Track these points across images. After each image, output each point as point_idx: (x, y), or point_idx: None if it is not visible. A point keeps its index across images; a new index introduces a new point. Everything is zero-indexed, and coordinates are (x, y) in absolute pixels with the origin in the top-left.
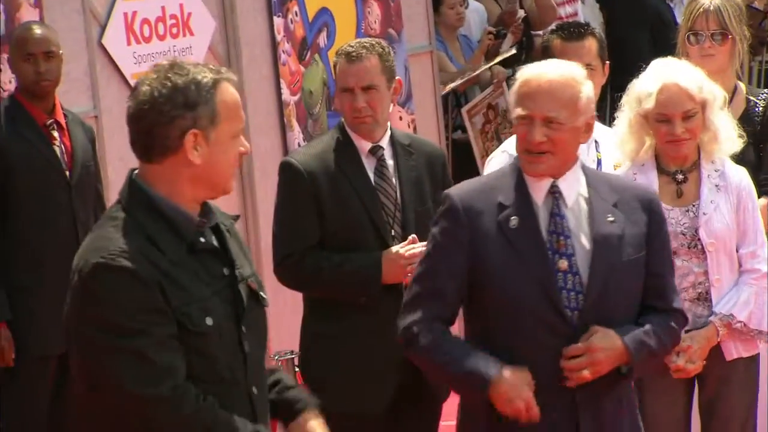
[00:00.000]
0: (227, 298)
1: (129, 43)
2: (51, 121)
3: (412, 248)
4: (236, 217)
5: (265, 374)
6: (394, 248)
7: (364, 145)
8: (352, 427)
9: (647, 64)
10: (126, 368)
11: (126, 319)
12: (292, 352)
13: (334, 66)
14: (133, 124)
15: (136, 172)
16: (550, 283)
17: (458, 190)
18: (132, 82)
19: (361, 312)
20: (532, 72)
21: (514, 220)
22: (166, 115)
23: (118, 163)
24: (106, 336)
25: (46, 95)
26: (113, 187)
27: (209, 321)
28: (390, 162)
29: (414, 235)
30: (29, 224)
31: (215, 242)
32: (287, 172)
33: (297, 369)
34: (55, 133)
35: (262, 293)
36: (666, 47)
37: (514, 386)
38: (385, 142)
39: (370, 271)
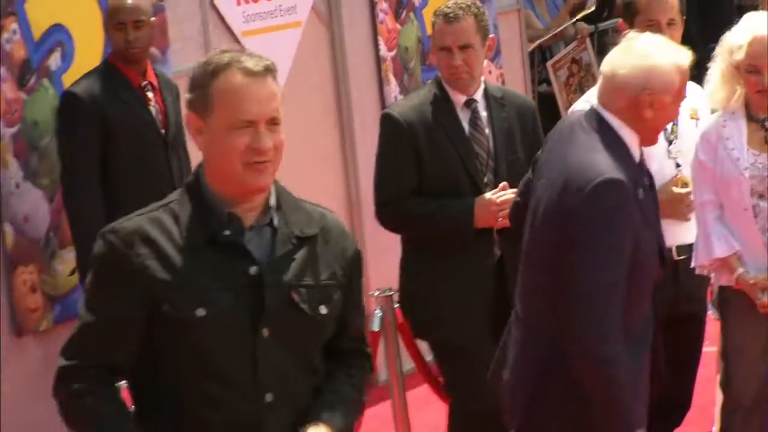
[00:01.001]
0: (247, 297)
1: (239, 3)
2: (145, 82)
3: (503, 195)
4: (319, 231)
5: (297, 386)
6: (487, 195)
7: (459, 99)
8: (454, 357)
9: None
10: (70, 336)
11: (91, 290)
12: (390, 289)
13: (432, 25)
14: None
15: None
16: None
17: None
18: (242, 41)
19: (456, 252)
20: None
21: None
22: (186, 99)
23: None
24: (83, 297)
25: (138, 60)
26: None
27: (201, 312)
28: (483, 114)
29: (505, 183)
30: (130, 184)
31: (257, 241)
32: (388, 123)
33: (396, 305)
34: (150, 94)
35: (316, 305)
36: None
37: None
38: (478, 96)
39: (464, 216)
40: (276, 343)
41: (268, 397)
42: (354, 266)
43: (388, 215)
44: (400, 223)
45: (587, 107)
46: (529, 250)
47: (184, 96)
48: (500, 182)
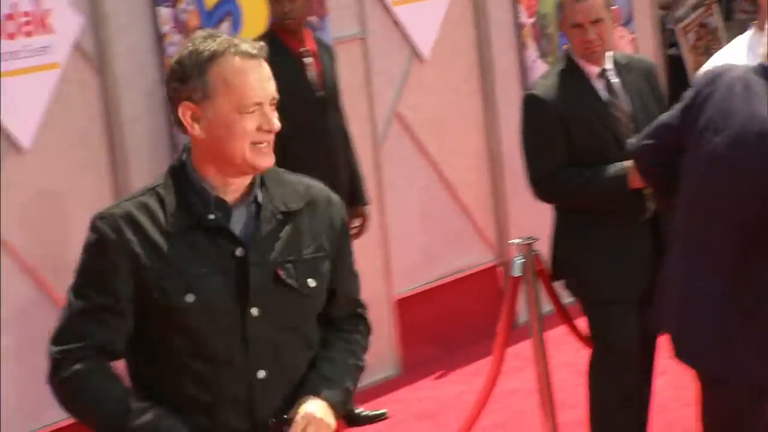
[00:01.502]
0: (234, 278)
1: None
2: (303, 49)
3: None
4: (304, 204)
5: (291, 361)
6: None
7: (592, 71)
8: (603, 312)
9: None
10: (61, 319)
11: (80, 276)
12: (530, 238)
13: (561, 4)
14: None
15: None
16: None
17: None
18: (394, 10)
19: (611, 214)
20: None
21: None
22: (170, 88)
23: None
24: (72, 284)
25: (296, 29)
26: (378, 99)
27: (190, 298)
28: (615, 81)
29: None
30: (291, 140)
31: (244, 222)
32: (533, 103)
33: (534, 252)
34: (308, 59)
35: (309, 281)
36: None
37: None
38: (609, 65)
39: (618, 180)
40: (266, 320)
41: (261, 374)
42: (342, 234)
43: (544, 190)
44: (556, 195)
45: (718, 66)
46: (712, 197)
47: (173, 85)
48: None
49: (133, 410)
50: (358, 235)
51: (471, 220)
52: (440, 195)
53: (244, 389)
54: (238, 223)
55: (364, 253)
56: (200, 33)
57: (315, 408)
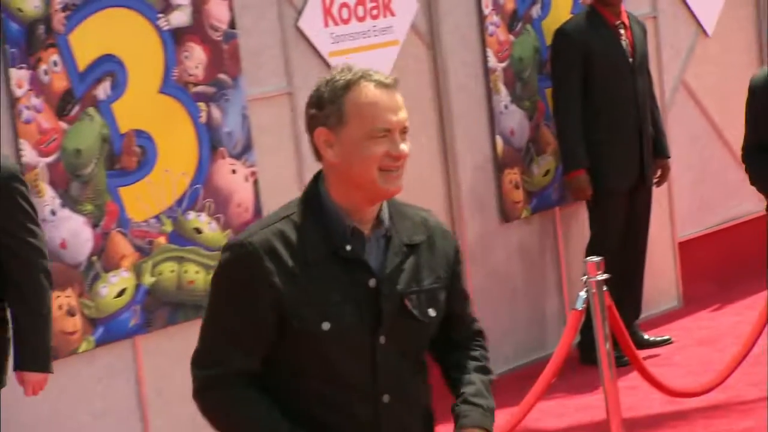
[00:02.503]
0: (367, 308)
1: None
2: (618, 21)
3: None
4: (426, 238)
5: (412, 387)
6: None
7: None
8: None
9: None
10: (199, 344)
11: (220, 301)
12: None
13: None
14: None
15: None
16: None
17: None
18: None
19: None
20: None
21: None
22: (307, 115)
23: (671, 51)
24: (207, 308)
25: (615, 4)
26: (667, 69)
27: (326, 326)
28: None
29: None
30: (604, 98)
31: (374, 253)
32: (750, 90)
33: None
34: (622, 31)
35: (427, 310)
36: None
37: None
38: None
39: None
40: (391, 347)
41: (385, 398)
42: (456, 264)
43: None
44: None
45: None
46: None
47: (311, 112)
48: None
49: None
50: (660, 183)
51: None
52: (719, 152)
53: (371, 413)
54: (370, 254)
55: (653, 199)
56: (341, 65)
57: None
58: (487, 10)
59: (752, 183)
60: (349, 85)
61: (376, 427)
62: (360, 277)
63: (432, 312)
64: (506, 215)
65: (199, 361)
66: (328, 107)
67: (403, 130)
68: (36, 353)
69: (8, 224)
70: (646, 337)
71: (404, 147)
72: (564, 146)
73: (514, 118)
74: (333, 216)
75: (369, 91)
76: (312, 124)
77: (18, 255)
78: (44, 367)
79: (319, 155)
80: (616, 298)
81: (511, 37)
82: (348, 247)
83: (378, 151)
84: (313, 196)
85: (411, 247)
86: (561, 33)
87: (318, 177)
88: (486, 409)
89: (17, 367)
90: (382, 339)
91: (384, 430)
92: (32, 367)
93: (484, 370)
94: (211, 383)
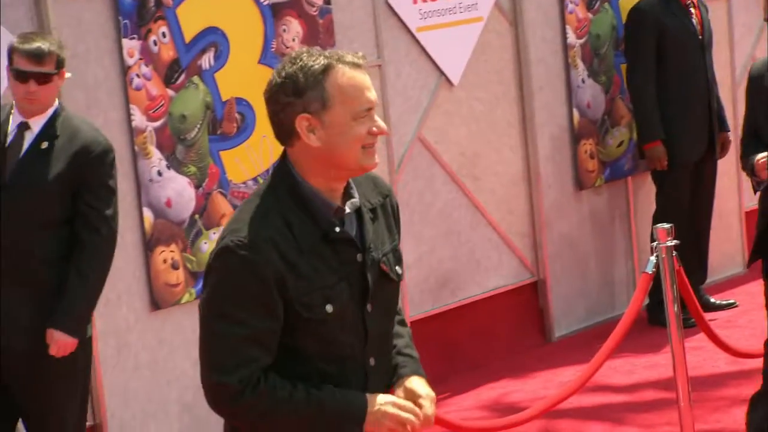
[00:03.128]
0: (355, 281)
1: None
2: (689, 1)
3: (764, 155)
4: (386, 195)
5: (389, 345)
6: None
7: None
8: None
9: None
10: (214, 352)
11: (230, 305)
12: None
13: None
14: (267, 112)
15: (286, 153)
16: None
17: None
18: None
19: None
20: None
21: None
22: (279, 103)
23: (743, 29)
24: (210, 314)
25: None
26: (738, 48)
27: (329, 308)
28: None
29: None
30: (676, 74)
31: (353, 227)
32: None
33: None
34: (692, 10)
35: (397, 268)
36: None
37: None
38: None
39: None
40: (376, 312)
41: (372, 362)
42: (398, 219)
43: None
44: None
45: None
46: None
47: (286, 100)
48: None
49: (325, 400)
50: (722, 155)
51: None
52: None
53: (362, 378)
54: (350, 229)
55: (720, 171)
56: (300, 50)
57: (428, 389)
58: None
59: (742, 169)
60: (327, 69)
61: (364, 390)
62: (349, 255)
63: (399, 269)
64: (580, 183)
65: (221, 369)
66: (309, 93)
67: (374, 107)
68: (70, 314)
69: (91, 196)
70: (712, 300)
71: (383, 122)
72: (640, 119)
73: (591, 92)
74: (315, 200)
75: (347, 72)
76: (289, 111)
77: (89, 223)
78: (73, 331)
79: (287, 141)
80: (683, 263)
81: (590, 15)
82: (337, 229)
83: (362, 130)
84: (291, 184)
85: (373, 211)
86: (636, 11)
87: (283, 165)
88: (417, 359)
89: (48, 323)
90: (368, 307)
91: (370, 391)
92: (60, 326)
93: (404, 323)
94: (246, 385)
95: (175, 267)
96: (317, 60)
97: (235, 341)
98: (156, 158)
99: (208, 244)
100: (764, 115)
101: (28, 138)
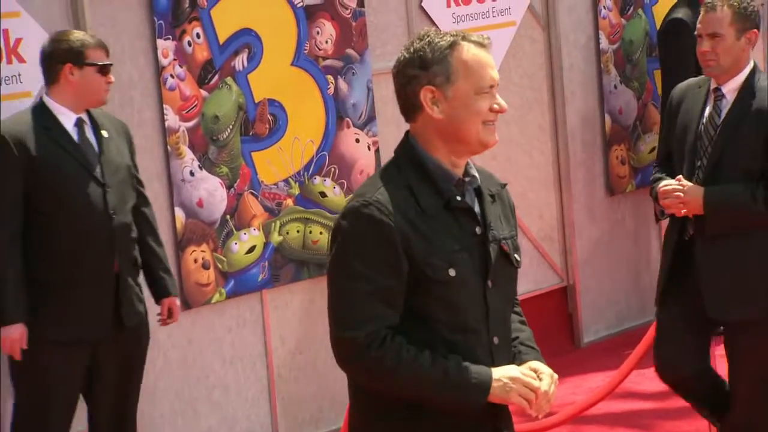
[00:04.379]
0: (476, 254)
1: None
2: None
3: (668, 183)
4: (504, 185)
5: (509, 328)
6: (664, 181)
7: (712, 84)
8: None
9: None
10: (340, 308)
11: (357, 263)
12: None
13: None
14: (394, 88)
15: (410, 130)
16: None
17: None
18: None
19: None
20: None
21: None
22: (406, 76)
23: None
24: (338, 273)
25: None
26: None
27: (452, 272)
28: (726, 102)
29: (680, 176)
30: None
31: (473, 202)
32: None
33: None
34: None
35: (516, 255)
36: None
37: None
38: (729, 87)
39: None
40: (496, 291)
41: (495, 340)
42: (514, 211)
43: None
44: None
45: None
46: None
47: (412, 72)
48: (708, 171)
49: (450, 366)
50: None
51: None
52: None
53: (488, 355)
54: (471, 203)
55: None
56: (429, 29)
57: (551, 370)
58: None
59: (650, 194)
60: (453, 45)
61: (492, 367)
62: (468, 226)
63: (518, 257)
64: (612, 189)
65: (349, 324)
66: (435, 67)
67: (497, 86)
68: (173, 280)
69: (137, 172)
70: None
71: (503, 101)
72: None
73: (623, 98)
74: (438, 171)
75: (472, 50)
76: (415, 84)
77: (144, 198)
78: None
79: (411, 115)
80: None
81: (623, 21)
82: (458, 198)
83: (484, 106)
84: (413, 156)
85: (493, 197)
86: (677, 20)
87: (407, 140)
88: (539, 353)
89: (163, 293)
90: (489, 283)
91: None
92: (176, 294)
93: (525, 323)
94: (373, 339)
95: (206, 267)
96: (444, 37)
97: (361, 297)
98: (188, 158)
99: (239, 244)
100: (678, 141)
101: (89, 132)
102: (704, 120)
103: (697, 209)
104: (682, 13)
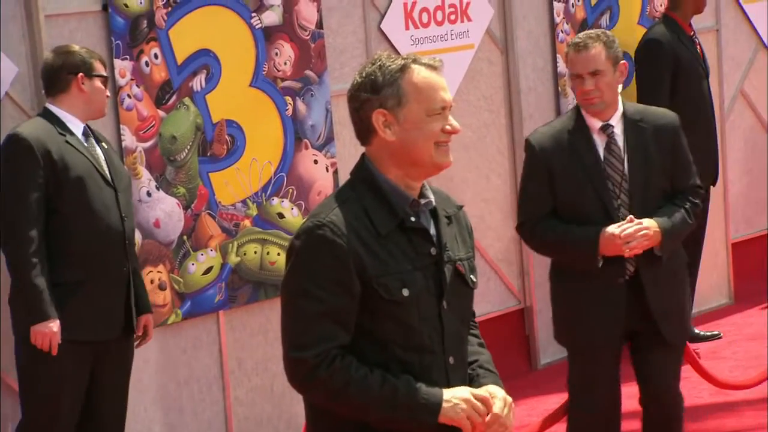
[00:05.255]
0: (431, 275)
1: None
2: (692, 32)
3: (628, 228)
4: (460, 207)
5: (465, 348)
6: (610, 228)
7: (595, 124)
8: (582, 358)
9: None
10: (291, 328)
11: (309, 283)
12: None
13: (566, 55)
14: (349, 112)
15: (365, 152)
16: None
17: None
18: (743, 6)
19: (587, 273)
20: None
21: None
22: (359, 100)
23: (731, 63)
24: (290, 292)
25: (690, 16)
26: (726, 80)
27: (405, 292)
28: (620, 138)
29: (631, 216)
30: (686, 105)
31: (429, 224)
32: (528, 149)
33: None
34: (697, 40)
35: (471, 276)
36: None
37: None
38: (615, 120)
39: (588, 247)
40: (451, 312)
41: (451, 360)
42: (472, 233)
43: (524, 235)
44: (534, 243)
45: None
46: None
47: (364, 96)
48: (637, 201)
49: (399, 386)
50: (714, 184)
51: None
52: None
53: (443, 375)
54: (425, 224)
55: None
56: (381, 53)
57: (505, 394)
58: (558, 19)
59: (546, 252)
60: (403, 69)
61: (446, 387)
62: (423, 246)
63: (474, 278)
64: None
65: (300, 344)
66: (385, 90)
67: (449, 107)
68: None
69: None
70: (696, 331)
71: (456, 123)
72: None
73: None
74: (392, 192)
75: (422, 72)
76: (367, 107)
77: None
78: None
79: (365, 138)
80: None
81: None
82: (413, 219)
83: (436, 127)
84: (368, 178)
85: (449, 218)
86: (653, 42)
87: (363, 161)
88: (497, 375)
89: (144, 310)
90: (444, 304)
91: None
92: (150, 308)
93: (484, 345)
94: (322, 359)
95: (162, 288)
96: (395, 61)
97: (312, 317)
98: (145, 179)
99: (196, 265)
100: (571, 190)
101: (93, 142)
102: (602, 161)
103: (656, 242)
104: (658, 34)
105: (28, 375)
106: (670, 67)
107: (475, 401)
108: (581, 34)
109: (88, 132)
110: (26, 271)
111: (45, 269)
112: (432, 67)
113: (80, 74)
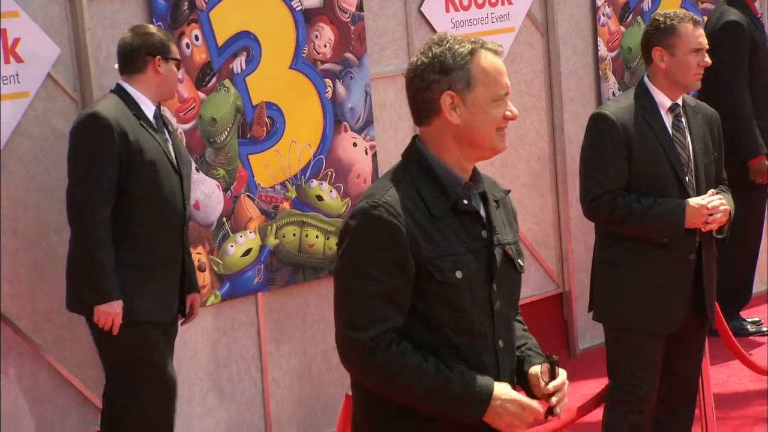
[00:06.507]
0: (482, 258)
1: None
2: (760, 14)
3: (713, 200)
4: (507, 191)
5: (513, 332)
6: (697, 199)
7: (665, 103)
8: (638, 344)
9: None
10: (347, 308)
11: (365, 263)
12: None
13: (670, 27)
14: (407, 92)
15: (418, 134)
16: None
17: None
18: None
19: (658, 247)
20: None
21: None
22: (425, 80)
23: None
24: (346, 272)
25: None
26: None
27: (459, 274)
28: (683, 119)
29: (713, 189)
30: (761, 87)
31: (479, 207)
32: (601, 121)
33: None
34: (764, 22)
35: (519, 261)
36: None
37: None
38: (680, 101)
39: (676, 217)
40: (501, 295)
41: (500, 344)
42: (516, 217)
43: (600, 209)
44: (612, 217)
45: None
46: None
47: (432, 77)
48: (699, 182)
49: (452, 378)
50: None
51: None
52: None
53: (492, 357)
54: (477, 207)
55: None
56: (444, 34)
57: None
58: (600, 2)
59: (623, 225)
60: (473, 53)
61: (496, 371)
62: (474, 229)
63: (521, 262)
64: None
65: (356, 324)
66: (456, 72)
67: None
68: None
69: None
70: (746, 325)
71: (515, 109)
72: (744, 135)
73: None
74: (446, 174)
75: (490, 57)
76: (434, 88)
77: None
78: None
79: (425, 119)
80: (732, 279)
81: (622, 28)
82: (465, 201)
83: (499, 112)
84: (421, 159)
85: (497, 202)
86: (734, 24)
87: (416, 143)
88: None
89: (193, 289)
90: (494, 287)
91: (500, 373)
92: (198, 288)
93: (528, 332)
94: (379, 342)
95: (201, 269)
96: (463, 43)
97: (368, 298)
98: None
99: (235, 247)
100: (647, 165)
101: (162, 126)
102: (673, 139)
103: (724, 221)
104: (738, 17)
105: (104, 354)
106: (748, 49)
107: (523, 413)
108: (677, 11)
109: (158, 115)
110: (95, 251)
111: (112, 250)
112: (496, 53)
113: (158, 56)
